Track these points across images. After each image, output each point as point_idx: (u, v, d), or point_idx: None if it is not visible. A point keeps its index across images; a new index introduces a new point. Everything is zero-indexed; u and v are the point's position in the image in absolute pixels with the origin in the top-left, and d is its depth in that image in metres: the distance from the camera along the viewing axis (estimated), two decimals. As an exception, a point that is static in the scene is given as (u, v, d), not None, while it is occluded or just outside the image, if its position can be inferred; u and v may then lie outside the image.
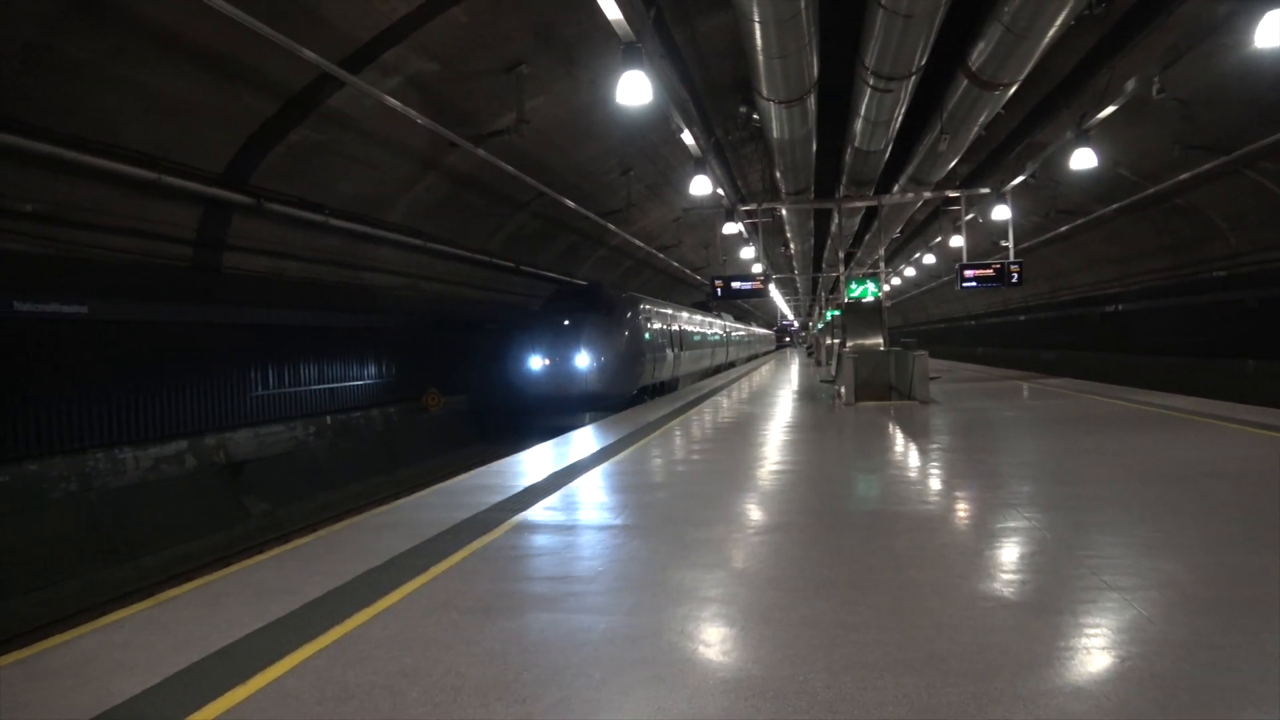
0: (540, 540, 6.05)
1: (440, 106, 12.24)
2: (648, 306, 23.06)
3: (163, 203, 10.89)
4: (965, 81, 12.17)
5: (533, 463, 9.82)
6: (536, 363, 19.39)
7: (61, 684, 3.63)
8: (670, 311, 26.80)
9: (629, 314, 20.92)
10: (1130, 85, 12.30)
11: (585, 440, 11.82)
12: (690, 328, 30.26)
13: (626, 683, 3.44)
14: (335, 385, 15.48)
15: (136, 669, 3.72)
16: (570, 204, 17.47)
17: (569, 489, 7.96)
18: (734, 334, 45.80)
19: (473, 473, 9.37)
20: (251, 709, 3.30)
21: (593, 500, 7.60)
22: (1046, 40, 10.19)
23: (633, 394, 20.66)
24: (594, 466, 9.31)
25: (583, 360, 19.09)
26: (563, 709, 3.21)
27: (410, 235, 15.84)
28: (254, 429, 13.21)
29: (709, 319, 36.34)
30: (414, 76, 11.64)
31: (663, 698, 3.28)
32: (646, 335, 22.00)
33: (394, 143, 13.21)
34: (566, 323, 19.73)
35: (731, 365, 42.47)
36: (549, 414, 19.19)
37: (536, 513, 6.92)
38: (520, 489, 8.00)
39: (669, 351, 25.03)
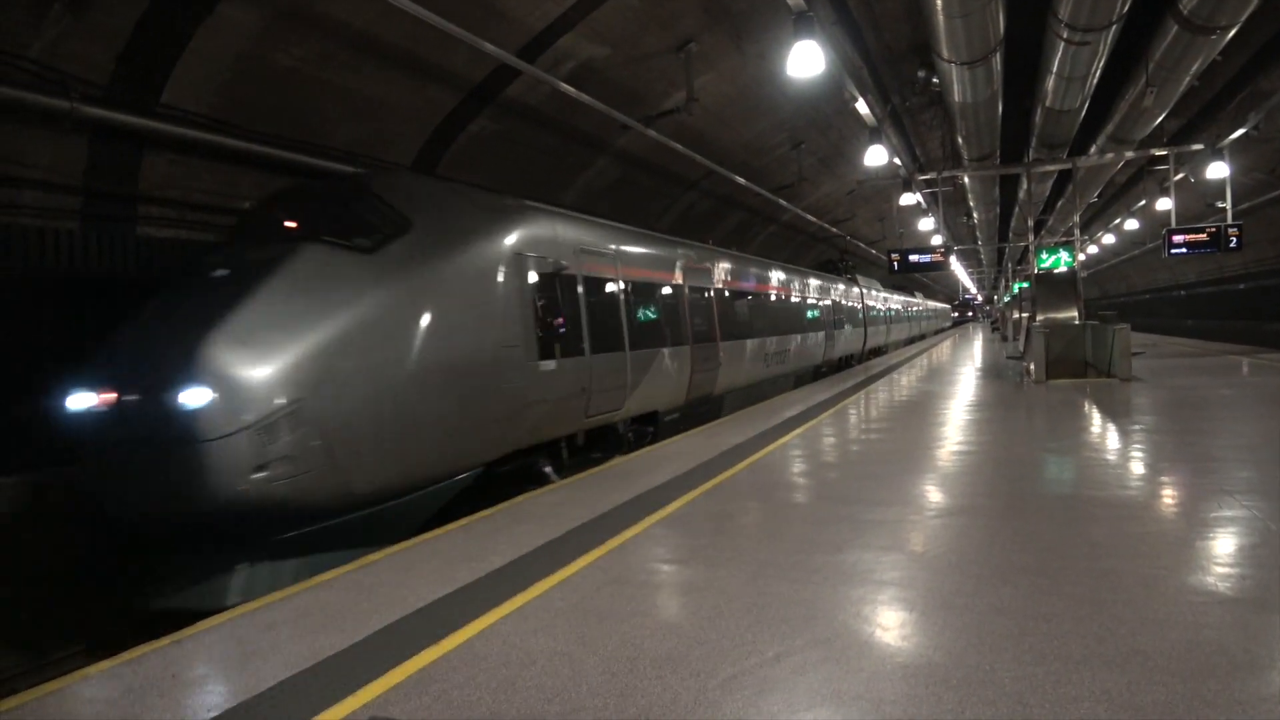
0: (696, 524, 6.09)
1: (611, 89, 12.44)
2: (567, 235, 9.22)
3: (359, 195, 11.70)
4: (1175, 27, 11.10)
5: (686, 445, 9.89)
6: (82, 400, 5.73)
7: (281, 635, 4.03)
8: (697, 259, 13.37)
9: (470, 248, 7.47)
10: (1379, 18, 10.80)
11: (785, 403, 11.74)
12: (750, 288, 15.85)
13: (800, 662, 3.41)
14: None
15: (345, 626, 4.07)
16: (740, 180, 17.33)
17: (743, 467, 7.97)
18: (879, 307, 31.73)
19: (633, 456, 9.52)
20: (444, 668, 3.53)
21: (767, 479, 7.57)
22: (1274, -26, 9.11)
23: (459, 478, 7.07)
24: (759, 446, 9.26)
25: (231, 396, 5.46)
26: (735, 684, 3.23)
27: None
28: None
29: (823, 283, 22.39)
30: (586, 61, 11.89)
31: (839, 679, 3.23)
32: (567, 311, 8.69)
33: (567, 127, 13.56)
34: (224, 273, 6.60)
35: (878, 351, 31.02)
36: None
37: (685, 499, 6.98)
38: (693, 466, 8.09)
39: (680, 350, 11.84)
